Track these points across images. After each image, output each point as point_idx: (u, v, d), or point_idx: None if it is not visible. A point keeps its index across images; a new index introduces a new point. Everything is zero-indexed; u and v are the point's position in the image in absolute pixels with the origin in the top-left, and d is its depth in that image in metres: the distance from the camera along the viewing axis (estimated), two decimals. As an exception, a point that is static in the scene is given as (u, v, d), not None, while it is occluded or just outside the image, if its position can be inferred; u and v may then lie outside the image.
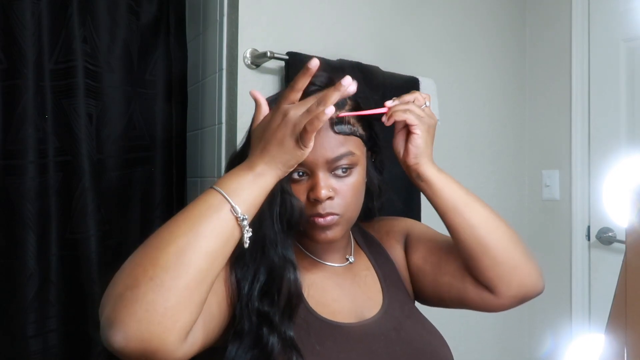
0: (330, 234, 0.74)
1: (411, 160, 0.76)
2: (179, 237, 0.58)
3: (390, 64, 1.49)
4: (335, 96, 0.61)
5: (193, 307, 0.58)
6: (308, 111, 0.62)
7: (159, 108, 1.41)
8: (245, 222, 0.61)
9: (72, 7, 1.23)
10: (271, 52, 1.23)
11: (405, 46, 1.62)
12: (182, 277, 0.56)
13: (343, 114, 0.71)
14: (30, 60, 1.18)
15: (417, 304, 0.90)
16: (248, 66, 1.29)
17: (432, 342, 0.79)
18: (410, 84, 1.49)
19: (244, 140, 0.79)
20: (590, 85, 1.77)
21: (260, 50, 1.28)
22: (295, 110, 0.63)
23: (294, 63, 1.26)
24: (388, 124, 0.76)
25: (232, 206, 0.60)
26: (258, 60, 1.29)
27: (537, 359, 1.90)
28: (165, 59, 1.43)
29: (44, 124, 1.21)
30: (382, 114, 0.76)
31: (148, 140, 1.39)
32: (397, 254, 0.89)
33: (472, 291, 0.79)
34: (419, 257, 0.86)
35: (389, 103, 0.76)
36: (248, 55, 1.29)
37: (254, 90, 0.72)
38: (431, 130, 0.77)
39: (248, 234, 0.62)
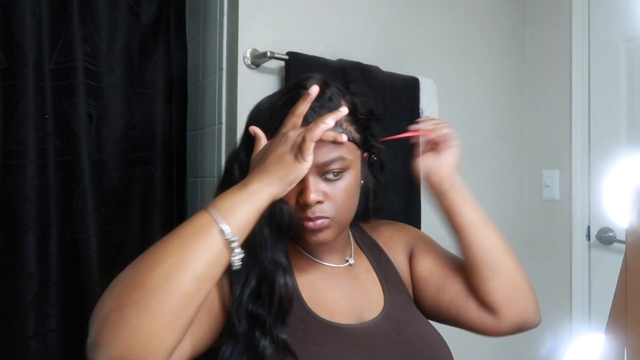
0: (321, 237, 0.73)
1: (449, 171, 0.82)
2: (166, 259, 0.57)
3: (390, 64, 1.49)
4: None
5: (178, 330, 0.57)
6: (307, 128, 0.64)
7: (159, 108, 1.41)
8: (235, 244, 0.60)
9: (72, 7, 1.23)
10: (271, 52, 1.23)
11: (405, 46, 1.62)
12: (168, 301, 0.55)
13: (384, 138, 0.77)
14: (31, 61, 1.18)
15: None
16: (248, 66, 1.29)
17: (433, 344, 0.78)
18: (410, 84, 1.49)
19: (240, 141, 0.79)
20: (590, 85, 1.77)
21: (260, 50, 1.28)
22: (295, 131, 0.66)
23: (294, 63, 1.26)
24: (432, 137, 0.83)
25: (220, 227, 0.59)
26: (258, 60, 1.28)
27: (537, 359, 1.90)
28: (165, 59, 1.43)
29: (44, 124, 1.21)
30: (411, 136, 0.83)
31: (148, 140, 1.39)
32: (399, 260, 0.88)
33: (474, 312, 0.80)
34: (425, 269, 0.86)
35: (420, 126, 0.83)
36: (248, 55, 1.29)
37: (253, 127, 0.73)
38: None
39: (238, 256, 0.61)
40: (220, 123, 1.36)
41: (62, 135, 1.24)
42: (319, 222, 0.72)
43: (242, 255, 0.61)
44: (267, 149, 0.68)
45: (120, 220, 1.34)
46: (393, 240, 0.90)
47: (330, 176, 0.72)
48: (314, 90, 0.68)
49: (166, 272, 0.56)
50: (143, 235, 1.37)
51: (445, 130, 0.83)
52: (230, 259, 0.60)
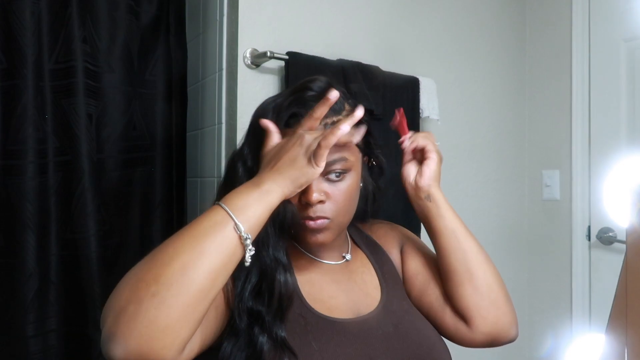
0: (320, 237, 0.75)
1: (425, 181, 0.82)
2: (183, 253, 0.58)
3: (390, 64, 1.49)
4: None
5: (192, 323, 0.58)
6: (323, 135, 0.64)
7: (159, 108, 1.41)
8: (249, 242, 0.61)
9: (71, 7, 1.23)
10: (271, 52, 1.23)
11: (405, 46, 1.62)
12: (184, 294, 0.57)
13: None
14: (30, 60, 1.18)
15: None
16: (248, 66, 1.29)
17: (430, 337, 0.79)
18: (410, 84, 1.49)
19: (243, 139, 0.79)
20: (590, 85, 1.77)
21: (260, 50, 1.28)
22: (312, 135, 0.66)
23: (294, 63, 1.26)
24: (409, 148, 0.84)
25: (235, 224, 0.61)
26: (258, 60, 1.28)
27: (537, 359, 1.90)
28: (165, 59, 1.43)
29: (44, 124, 1.21)
30: (400, 135, 0.86)
31: (148, 140, 1.39)
32: (394, 255, 0.91)
33: (449, 319, 0.81)
34: (412, 269, 0.87)
35: (407, 136, 0.85)
36: (248, 55, 1.29)
37: (265, 120, 0.73)
38: (440, 164, 0.84)
39: (250, 252, 0.62)
40: (220, 123, 1.36)
41: (62, 135, 1.24)
42: (319, 221, 0.73)
43: (253, 253, 0.63)
44: (281, 147, 0.68)
45: (120, 220, 1.34)
46: (387, 237, 0.93)
47: (333, 177, 0.73)
48: (334, 95, 0.67)
49: (182, 266, 0.58)
50: (143, 235, 1.37)
51: (421, 141, 0.84)
52: (245, 256, 0.62)
